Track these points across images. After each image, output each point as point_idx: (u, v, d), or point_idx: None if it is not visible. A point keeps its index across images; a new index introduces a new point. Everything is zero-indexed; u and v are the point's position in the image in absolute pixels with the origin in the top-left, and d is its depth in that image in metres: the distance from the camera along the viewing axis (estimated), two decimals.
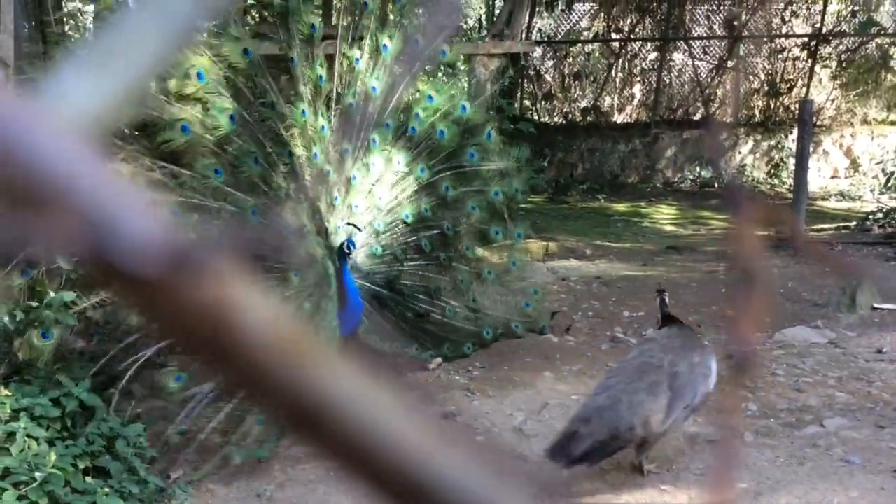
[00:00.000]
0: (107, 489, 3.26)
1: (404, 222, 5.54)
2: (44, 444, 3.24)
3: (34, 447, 3.20)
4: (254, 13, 9.77)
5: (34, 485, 3.01)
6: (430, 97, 5.65)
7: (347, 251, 4.92)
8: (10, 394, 3.31)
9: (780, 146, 13.84)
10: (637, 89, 14.61)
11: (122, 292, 0.27)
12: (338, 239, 5.05)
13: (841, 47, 14.17)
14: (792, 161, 11.33)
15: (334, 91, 5.31)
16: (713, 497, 0.48)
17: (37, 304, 3.66)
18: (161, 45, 0.32)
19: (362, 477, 0.30)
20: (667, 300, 4.39)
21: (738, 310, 0.42)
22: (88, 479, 3.29)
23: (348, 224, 5.15)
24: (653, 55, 14.39)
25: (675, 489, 3.86)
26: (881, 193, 12.35)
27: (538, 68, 14.16)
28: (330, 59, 5.37)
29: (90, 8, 8.96)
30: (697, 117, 14.39)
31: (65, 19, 7.48)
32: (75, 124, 0.29)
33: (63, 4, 7.39)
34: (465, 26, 13.73)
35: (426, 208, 5.60)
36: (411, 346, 5.44)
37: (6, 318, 3.52)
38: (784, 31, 14.32)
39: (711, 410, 4.54)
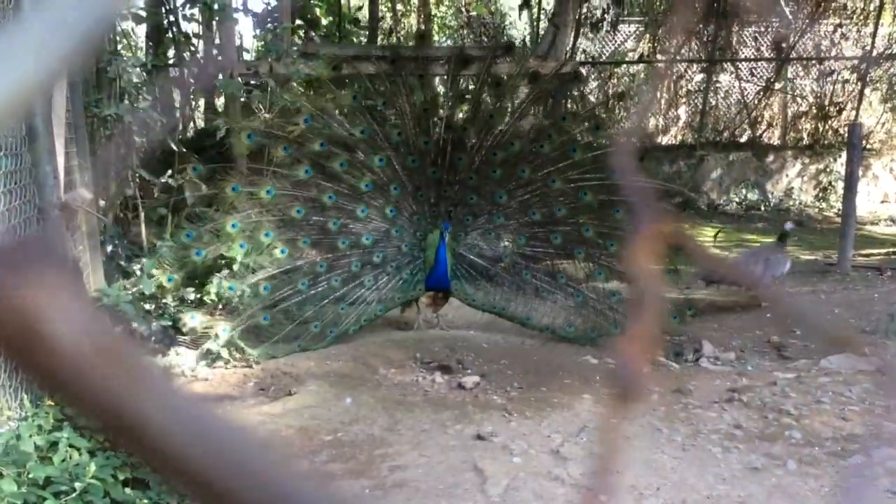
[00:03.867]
0: (145, 500, 3.29)
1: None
2: (85, 455, 3.28)
3: (76, 457, 3.25)
4: (300, 33, 9.91)
5: (74, 495, 3.05)
6: None
7: (443, 232, 6.22)
8: (54, 403, 3.37)
9: (828, 170, 13.63)
10: (682, 111, 14.51)
11: None
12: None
13: (892, 70, 13.93)
14: (841, 185, 11.14)
15: None
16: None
17: None
18: (60, 50, 0.32)
19: (189, 491, 0.30)
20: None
21: (627, 330, 0.41)
22: (128, 489, 3.32)
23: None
24: (699, 76, 14.28)
25: None
26: None
27: (582, 89, 14.13)
28: None
29: None
30: (744, 139, 14.24)
31: None
32: None
33: None
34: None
35: (558, 208, 6.50)
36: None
37: None
38: (833, 53, 14.12)
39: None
